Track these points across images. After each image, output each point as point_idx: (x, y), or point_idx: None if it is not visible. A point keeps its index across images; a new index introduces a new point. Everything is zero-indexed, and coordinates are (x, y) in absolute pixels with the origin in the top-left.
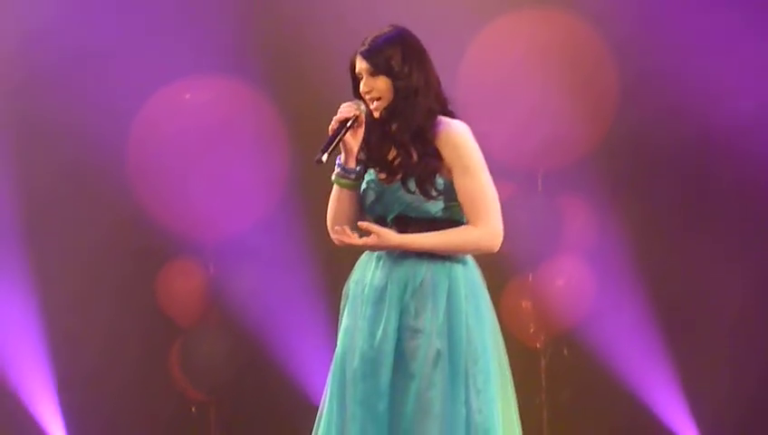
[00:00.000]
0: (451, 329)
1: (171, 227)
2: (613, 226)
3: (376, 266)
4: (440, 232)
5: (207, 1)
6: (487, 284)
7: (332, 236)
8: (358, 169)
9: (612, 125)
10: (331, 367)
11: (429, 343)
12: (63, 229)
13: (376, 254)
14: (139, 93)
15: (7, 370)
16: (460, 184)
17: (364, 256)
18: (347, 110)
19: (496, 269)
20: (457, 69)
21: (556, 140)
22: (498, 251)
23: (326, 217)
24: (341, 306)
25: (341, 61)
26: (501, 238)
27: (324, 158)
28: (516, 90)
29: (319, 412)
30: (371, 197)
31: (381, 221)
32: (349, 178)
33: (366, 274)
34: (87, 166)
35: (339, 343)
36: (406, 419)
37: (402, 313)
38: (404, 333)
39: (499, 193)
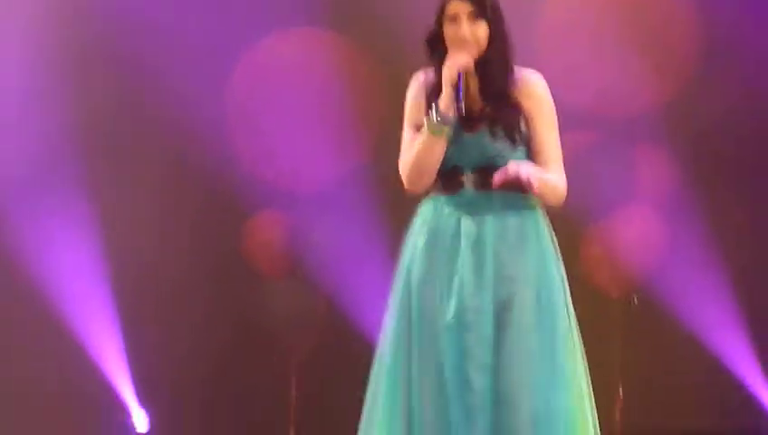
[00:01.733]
0: (541, 276)
1: (255, 178)
2: (688, 178)
3: (457, 216)
4: (546, 175)
5: None
6: (560, 232)
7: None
8: (454, 116)
9: (692, 78)
10: (394, 318)
11: (524, 290)
12: (138, 177)
13: (449, 204)
14: (223, 44)
15: (77, 323)
16: (542, 134)
17: (428, 207)
18: (460, 57)
19: (570, 217)
20: (535, 15)
21: (636, 89)
22: (573, 198)
23: (404, 166)
24: (402, 258)
25: (425, 6)
26: None
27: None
28: (595, 37)
29: (377, 368)
30: (453, 145)
31: (457, 171)
32: (448, 127)
33: (442, 223)
34: (170, 118)
35: (414, 294)
36: (506, 366)
37: (496, 261)
38: (498, 282)
39: (573, 141)
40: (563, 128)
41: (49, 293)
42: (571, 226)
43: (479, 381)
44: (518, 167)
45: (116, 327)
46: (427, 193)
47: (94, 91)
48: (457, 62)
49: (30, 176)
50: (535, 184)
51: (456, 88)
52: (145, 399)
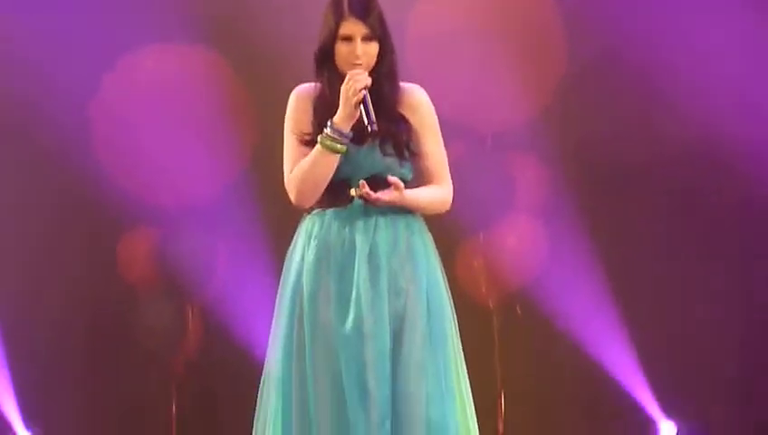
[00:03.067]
0: (430, 286)
1: (129, 195)
2: (565, 185)
3: (348, 229)
4: (426, 189)
5: None
6: (439, 243)
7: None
8: (349, 133)
9: (565, 86)
10: (283, 331)
11: (416, 302)
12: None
13: (337, 217)
14: (94, 64)
15: None
16: (427, 146)
17: (312, 222)
18: (363, 77)
19: (448, 228)
20: (403, 26)
21: (505, 100)
22: (450, 209)
23: (293, 180)
24: (287, 274)
25: (296, 26)
26: None
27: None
28: (463, 47)
29: (267, 381)
30: (342, 158)
31: (345, 185)
32: (344, 143)
33: (332, 237)
34: (36, 139)
35: (306, 307)
36: (401, 378)
37: (389, 273)
38: (392, 294)
39: (449, 152)
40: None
41: None
42: (448, 236)
43: (379, 391)
44: (383, 194)
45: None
46: (308, 210)
47: None
48: (361, 81)
49: None
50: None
51: (366, 106)
52: (29, 419)
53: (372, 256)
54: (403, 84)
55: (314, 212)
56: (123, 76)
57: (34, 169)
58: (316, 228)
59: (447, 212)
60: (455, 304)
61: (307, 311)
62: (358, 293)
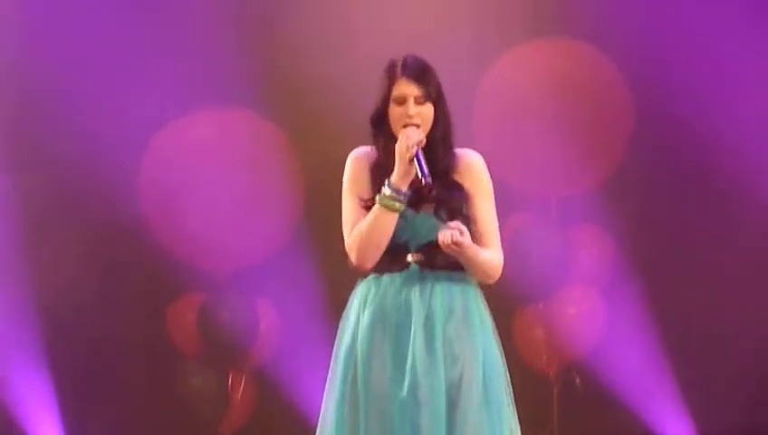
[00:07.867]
0: (486, 353)
1: (179, 260)
2: (625, 255)
3: (405, 294)
4: (484, 250)
5: (204, 33)
6: (500, 310)
7: (444, 241)
8: (407, 192)
9: (625, 155)
10: (336, 395)
11: (471, 368)
12: (64, 262)
13: (393, 283)
14: (145, 126)
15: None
16: (480, 209)
17: (366, 287)
18: (415, 133)
19: (509, 296)
20: (473, 97)
21: (570, 170)
22: (510, 278)
23: (354, 241)
24: (342, 337)
25: (343, 85)
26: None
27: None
28: (530, 118)
29: None
30: (399, 224)
31: (402, 249)
32: (401, 202)
33: (388, 302)
34: (91, 198)
35: (360, 371)
36: None
37: (445, 340)
38: (448, 361)
39: (513, 221)
40: (502, 209)
41: None
42: (509, 304)
43: None
44: (456, 232)
45: (44, 372)
46: (363, 275)
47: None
48: (413, 136)
49: None
50: (464, 244)
51: (419, 161)
52: None
53: (428, 321)
54: (458, 150)
55: (370, 277)
56: (174, 137)
57: (89, 225)
58: (372, 293)
59: (498, 281)
60: (515, 373)
61: (361, 375)
62: (414, 359)
